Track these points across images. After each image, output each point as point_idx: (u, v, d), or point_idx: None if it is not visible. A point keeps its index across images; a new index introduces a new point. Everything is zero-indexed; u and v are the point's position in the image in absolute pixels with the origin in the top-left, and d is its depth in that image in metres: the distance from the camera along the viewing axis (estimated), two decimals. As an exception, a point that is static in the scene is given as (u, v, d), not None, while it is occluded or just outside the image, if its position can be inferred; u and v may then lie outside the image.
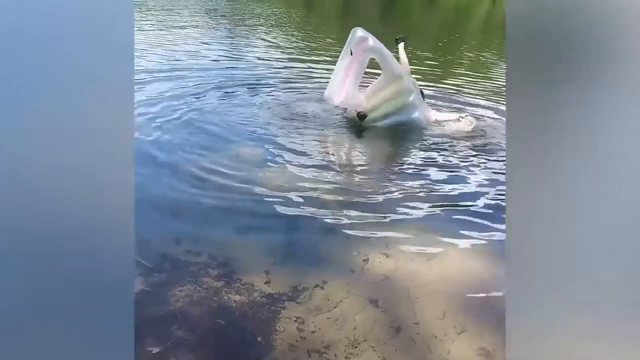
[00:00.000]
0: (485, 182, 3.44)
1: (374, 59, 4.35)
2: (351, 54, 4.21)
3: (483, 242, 2.65)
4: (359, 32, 4.22)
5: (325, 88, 4.53)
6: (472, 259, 2.49)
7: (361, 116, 4.35)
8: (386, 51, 4.32)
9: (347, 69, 4.26)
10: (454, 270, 2.38)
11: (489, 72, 8.43)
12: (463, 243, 2.62)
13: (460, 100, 5.82)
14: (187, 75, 5.71)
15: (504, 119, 4.94)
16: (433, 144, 4.21)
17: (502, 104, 5.71)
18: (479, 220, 2.88)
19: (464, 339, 1.93)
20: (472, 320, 2.04)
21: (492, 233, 2.73)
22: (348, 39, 4.26)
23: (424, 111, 4.57)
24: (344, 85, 4.26)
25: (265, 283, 2.14)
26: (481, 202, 3.11)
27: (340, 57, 4.35)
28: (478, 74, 7.89)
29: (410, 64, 4.72)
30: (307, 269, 2.29)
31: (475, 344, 1.91)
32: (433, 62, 8.56)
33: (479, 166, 3.76)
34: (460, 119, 4.74)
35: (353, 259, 2.40)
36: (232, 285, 2.11)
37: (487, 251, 2.57)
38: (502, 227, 2.74)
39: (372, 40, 4.20)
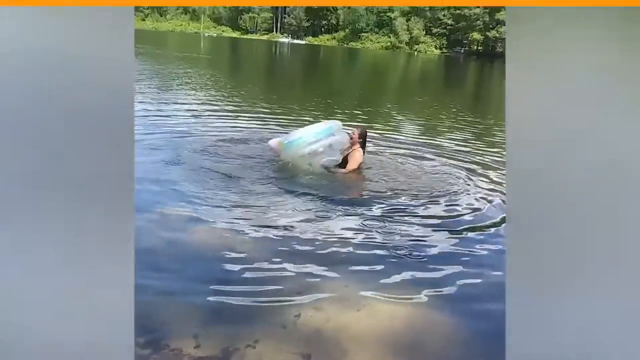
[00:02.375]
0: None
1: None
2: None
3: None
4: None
5: None
6: (400, 308, 2.58)
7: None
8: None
9: None
10: (380, 319, 2.45)
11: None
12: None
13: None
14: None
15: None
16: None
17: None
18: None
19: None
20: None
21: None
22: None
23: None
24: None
25: (195, 347, 2.08)
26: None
27: None
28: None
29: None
30: (237, 328, 2.26)
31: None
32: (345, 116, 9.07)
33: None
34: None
35: (285, 314, 2.39)
36: (160, 352, 2.03)
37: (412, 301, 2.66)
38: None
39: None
